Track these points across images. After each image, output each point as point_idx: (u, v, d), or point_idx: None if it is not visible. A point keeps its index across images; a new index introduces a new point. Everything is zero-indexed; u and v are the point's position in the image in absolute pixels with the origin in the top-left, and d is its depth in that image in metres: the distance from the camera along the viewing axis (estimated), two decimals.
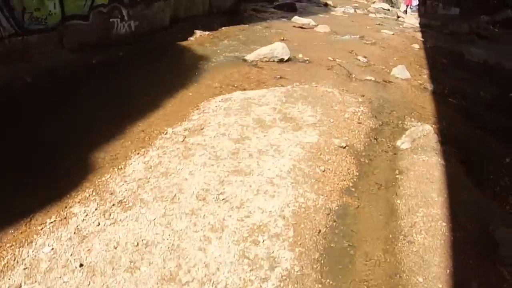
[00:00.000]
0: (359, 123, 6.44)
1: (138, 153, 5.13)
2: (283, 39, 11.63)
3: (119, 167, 4.88)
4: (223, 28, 12.69)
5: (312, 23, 14.76)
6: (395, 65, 10.46)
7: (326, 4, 22.34)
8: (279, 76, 8.24)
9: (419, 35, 17.24)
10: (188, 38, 10.99)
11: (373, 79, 8.97)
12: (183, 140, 5.30)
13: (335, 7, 22.03)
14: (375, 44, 12.89)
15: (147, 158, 4.98)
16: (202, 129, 5.57)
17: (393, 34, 15.88)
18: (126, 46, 9.53)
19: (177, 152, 5.05)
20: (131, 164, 4.91)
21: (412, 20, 21.50)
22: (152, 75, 7.91)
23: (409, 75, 9.71)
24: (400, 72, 9.70)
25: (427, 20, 21.49)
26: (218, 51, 9.95)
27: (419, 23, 21.03)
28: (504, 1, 24.35)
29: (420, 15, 23.63)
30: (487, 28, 20.66)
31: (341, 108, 6.74)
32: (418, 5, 24.80)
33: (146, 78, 7.72)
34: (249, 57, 9.26)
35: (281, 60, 9.22)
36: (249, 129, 5.61)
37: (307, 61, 9.62)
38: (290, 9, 18.04)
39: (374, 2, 26.40)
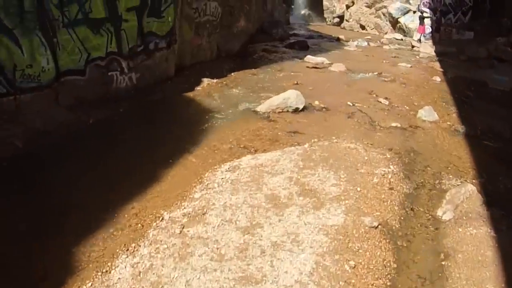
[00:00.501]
0: (391, 188, 5.36)
1: (127, 250, 4.12)
2: (296, 83, 10.70)
3: (104, 270, 3.89)
4: (232, 73, 11.83)
5: (326, 61, 13.83)
6: (420, 104, 9.43)
7: (338, 39, 21.48)
8: (294, 131, 7.24)
9: (437, 65, 16.19)
10: (195, 88, 10.10)
11: (399, 125, 7.91)
12: (181, 232, 4.27)
13: (347, 41, 21.14)
14: (395, 81, 11.87)
15: (137, 258, 3.96)
16: (204, 213, 4.54)
17: (411, 66, 14.87)
18: (127, 100, 8.69)
19: (172, 250, 4.02)
20: (117, 266, 3.91)
21: (427, 48, 20.49)
22: (152, 135, 7.00)
23: (436, 116, 8.63)
24: (427, 113, 8.63)
25: (442, 48, 20.46)
26: (227, 102, 9.03)
27: (435, 51, 20.02)
28: None
29: (434, 43, 22.66)
30: (505, 51, 19.53)
31: (368, 171, 5.67)
32: (432, 32, 23.86)
33: (145, 140, 6.81)
34: (261, 108, 8.30)
35: (295, 110, 8.23)
36: (261, 211, 4.56)
37: (324, 109, 8.61)
38: (302, 47, 17.18)
39: (386, 33, 25.49)
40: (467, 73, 14.60)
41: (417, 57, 17.93)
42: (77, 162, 5.87)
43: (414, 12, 24.85)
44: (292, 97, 8.28)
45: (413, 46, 20.97)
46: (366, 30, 26.80)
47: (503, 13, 23.89)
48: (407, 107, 9.18)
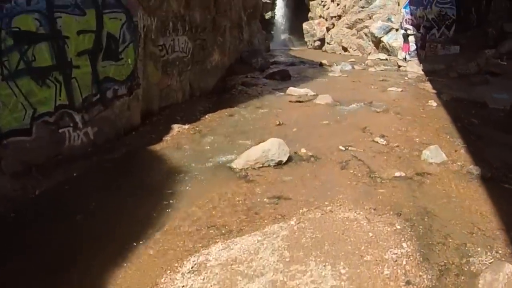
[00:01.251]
0: (408, 283, 3.91)
1: None
2: (279, 124, 9.34)
3: None
4: (207, 115, 10.45)
5: (310, 93, 12.51)
6: (421, 140, 8.15)
7: (321, 64, 20.30)
8: (278, 196, 5.77)
9: (428, 85, 14.99)
10: (163, 138, 8.68)
11: (403, 174, 6.50)
12: None
13: (330, 66, 19.95)
14: (388, 111, 10.55)
15: None
16: None
17: (401, 90, 13.63)
18: (83, 161, 7.26)
19: None
20: None
21: (414, 67, 19.37)
22: (105, 213, 5.51)
23: (444, 156, 7.26)
24: (432, 154, 7.25)
25: (430, 65, 19.32)
26: (199, 156, 7.59)
27: (423, 70, 18.91)
28: (503, 30, 22.30)
29: (420, 60, 21.59)
30: (496, 64, 18.37)
31: (375, 257, 4.22)
32: (417, 49, 22.79)
33: (94, 222, 5.30)
34: (237, 163, 6.86)
35: (278, 164, 6.81)
36: None
37: (312, 158, 7.19)
38: (284, 77, 15.93)
39: (369, 53, 24.40)
40: (463, 93, 13.39)
41: (406, 78, 16.73)
42: (17, 252, 4.39)
43: (397, 30, 23.85)
44: (273, 148, 6.85)
45: (399, 66, 19.87)
46: (349, 51, 25.70)
47: (488, 23, 22.91)
48: (408, 147, 7.80)
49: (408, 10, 23.75)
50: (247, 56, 19.91)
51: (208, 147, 8.10)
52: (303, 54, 25.94)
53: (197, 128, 9.49)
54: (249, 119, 10.06)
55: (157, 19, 10.08)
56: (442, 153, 7.29)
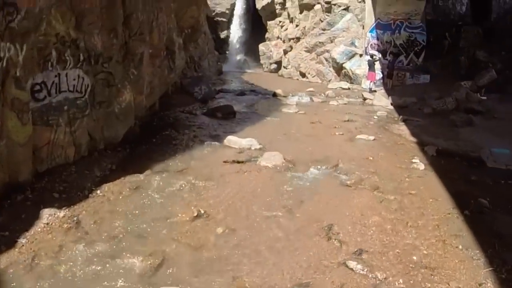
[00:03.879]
0: None
1: None
2: (197, 216, 5.76)
3: None
4: (101, 189, 6.86)
5: (255, 145, 9.03)
6: (424, 260, 4.90)
7: (274, 94, 16.88)
8: None
9: (404, 129, 11.87)
10: (19, 239, 5.22)
11: None
12: None
13: (285, 96, 16.63)
14: (362, 183, 7.22)
15: None
16: None
17: (373, 139, 10.36)
18: None
19: None
20: None
21: (382, 100, 16.26)
22: None
23: None
24: None
25: (399, 98, 16.21)
26: None
27: (392, 104, 15.74)
28: (475, 59, 19.63)
29: (387, 90, 18.52)
30: (477, 100, 15.40)
31: None
32: (383, 78, 19.73)
33: None
34: None
35: None
36: None
37: None
38: (227, 115, 12.46)
39: (330, 81, 21.20)
40: (449, 142, 10.34)
41: (375, 116, 13.52)
42: None
43: (361, 55, 20.78)
44: None
45: (365, 99, 16.76)
46: (307, 77, 22.42)
47: (459, 50, 20.18)
48: (406, 281, 4.31)
49: (374, 34, 20.70)
50: (188, 83, 16.33)
51: (77, 270, 4.46)
52: (257, 79, 22.52)
53: (76, 218, 5.86)
54: (158, 200, 6.46)
55: (27, 47, 6.36)
56: None
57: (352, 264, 4.59)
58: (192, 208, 6.05)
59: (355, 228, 5.51)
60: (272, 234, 5.38)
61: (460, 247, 5.24)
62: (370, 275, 4.47)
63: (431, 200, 6.69)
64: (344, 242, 5.12)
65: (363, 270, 4.53)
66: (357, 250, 4.91)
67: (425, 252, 5.05)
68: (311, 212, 5.99)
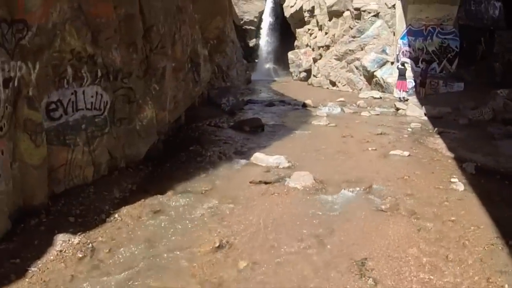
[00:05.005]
0: None
1: None
2: (219, 246, 5.33)
3: None
4: (119, 212, 6.53)
5: (284, 164, 8.57)
6: None
7: (304, 105, 16.35)
8: None
9: (440, 143, 11.13)
10: (30, 268, 4.91)
11: None
12: None
13: (315, 107, 16.05)
14: (398, 209, 6.61)
15: None
16: None
17: (408, 155, 9.67)
18: None
19: None
20: None
21: (415, 111, 15.50)
22: None
23: None
24: None
25: (433, 108, 15.38)
26: None
27: (426, 114, 14.94)
28: (510, 64, 18.68)
29: (420, 100, 17.68)
30: None
31: None
32: (415, 86, 18.92)
33: None
34: None
35: None
36: None
37: None
38: (255, 128, 11.97)
39: (361, 89, 20.50)
40: (488, 158, 9.49)
41: (409, 129, 12.82)
42: None
43: (392, 63, 19.99)
44: None
45: (397, 109, 15.94)
46: (337, 86, 21.77)
47: (494, 56, 19.24)
48: None
49: (405, 41, 19.90)
50: (216, 95, 16.02)
51: None
52: (286, 88, 22.04)
53: (91, 246, 5.53)
54: (179, 226, 6.07)
55: (41, 65, 6.10)
56: None
57: None
58: (215, 235, 5.61)
59: (390, 263, 4.96)
60: (299, 269, 4.87)
61: (506, 286, 4.62)
62: None
63: (472, 228, 6.05)
64: (379, 282, 4.57)
65: None
66: None
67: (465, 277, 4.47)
68: (343, 243, 5.46)
